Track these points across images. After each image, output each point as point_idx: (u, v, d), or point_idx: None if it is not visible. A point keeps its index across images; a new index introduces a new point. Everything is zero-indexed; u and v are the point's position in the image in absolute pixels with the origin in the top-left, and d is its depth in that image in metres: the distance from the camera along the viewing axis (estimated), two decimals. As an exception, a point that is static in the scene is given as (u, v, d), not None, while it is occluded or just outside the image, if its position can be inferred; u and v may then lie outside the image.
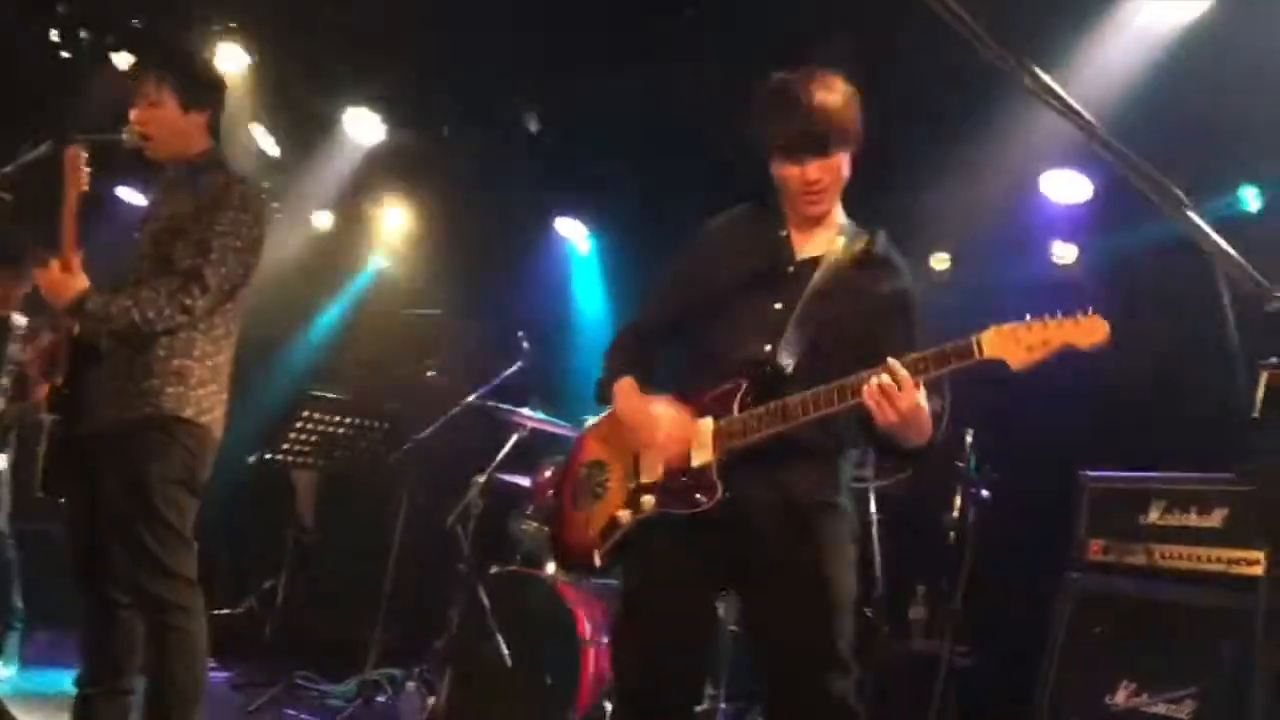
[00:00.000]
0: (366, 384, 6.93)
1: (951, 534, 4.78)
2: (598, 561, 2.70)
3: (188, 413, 3.07)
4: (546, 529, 5.05)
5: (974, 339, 2.29)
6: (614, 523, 2.67)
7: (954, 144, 4.99)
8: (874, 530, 5.07)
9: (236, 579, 6.90)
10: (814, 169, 2.56)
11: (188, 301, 2.99)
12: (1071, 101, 1.55)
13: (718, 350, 2.63)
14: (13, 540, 4.98)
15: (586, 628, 4.64)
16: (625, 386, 2.69)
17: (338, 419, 5.56)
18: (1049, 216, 5.31)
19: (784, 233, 2.69)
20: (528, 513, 5.19)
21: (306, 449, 5.54)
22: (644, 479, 2.65)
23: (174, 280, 3.00)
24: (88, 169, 3.08)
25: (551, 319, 6.92)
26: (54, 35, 5.61)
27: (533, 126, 5.84)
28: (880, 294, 2.62)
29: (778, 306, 2.58)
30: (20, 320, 5.08)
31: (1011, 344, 2.24)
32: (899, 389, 2.28)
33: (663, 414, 2.59)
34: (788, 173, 2.59)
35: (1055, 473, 4.53)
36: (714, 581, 2.65)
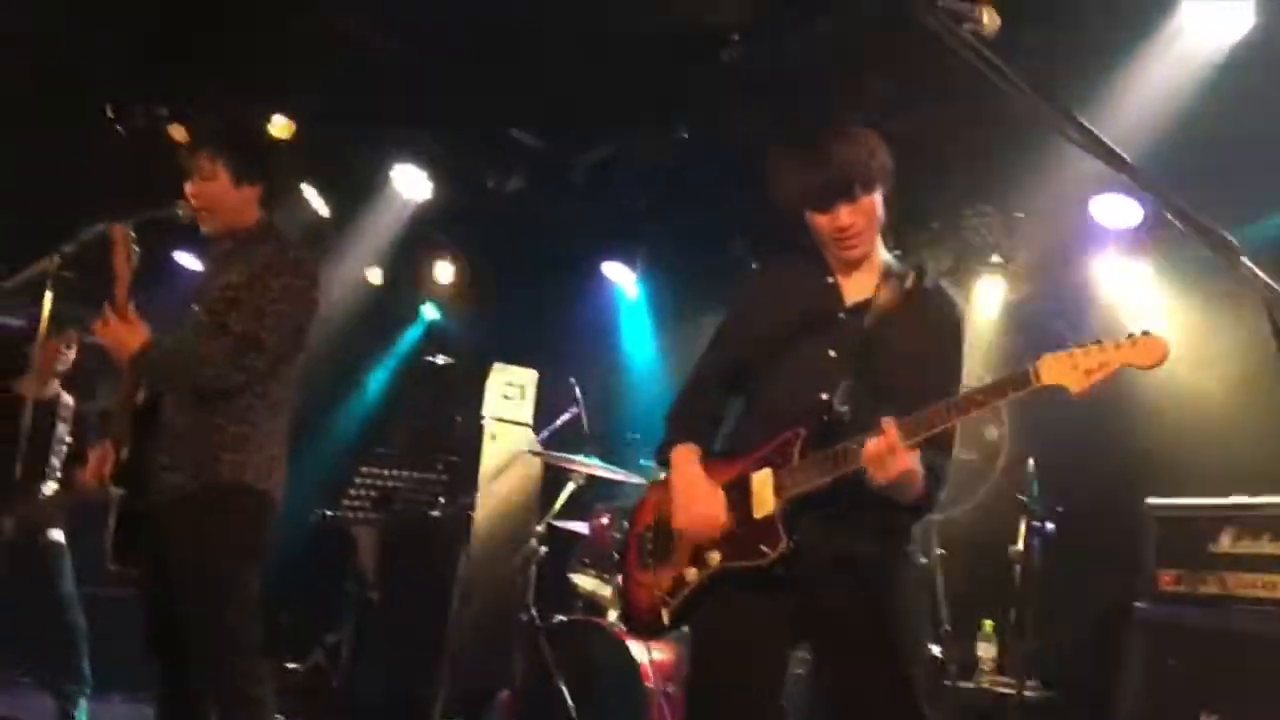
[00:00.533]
0: (421, 436, 6.99)
1: (1017, 567, 4.69)
2: (666, 620, 2.70)
3: (247, 479, 3.11)
4: (606, 577, 5.06)
5: (1031, 367, 2.27)
6: (681, 580, 2.66)
7: (1003, 171, 4.96)
8: (937, 566, 5.00)
9: (301, 634, 6.94)
10: (844, 214, 2.57)
11: (247, 362, 3.04)
12: (1114, 148, 1.54)
13: (776, 401, 2.64)
14: (80, 606, 5.04)
15: (651, 676, 4.61)
16: (682, 456, 2.70)
17: (395, 473, 5.62)
18: (1102, 240, 5.24)
19: (830, 280, 2.70)
20: (586, 561, 5.18)
21: (366, 504, 5.61)
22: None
23: (230, 341, 3.05)
24: (136, 247, 3.14)
25: (603, 364, 6.94)
26: (108, 110, 5.75)
27: (580, 176, 5.88)
28: (932, 328, 2.63)
29: (832, 354, 2.59)
30: (69, 400, 5.17)
31: (1069, 369, 2.23)
32: (891, 453, 2.31)
33: (701, 497, 2.60)
34: (820, 221, 2.61)
35: (1121, 501, 4.45)
36: (784, 634, 2.62)
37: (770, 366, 2.67)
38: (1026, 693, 4.51)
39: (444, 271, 7.44)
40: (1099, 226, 5.11)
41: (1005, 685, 4.79)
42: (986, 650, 5.08)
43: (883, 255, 2.71)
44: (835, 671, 2.60)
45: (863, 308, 2.63)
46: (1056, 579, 4.51)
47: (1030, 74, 1.63)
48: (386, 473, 5.61)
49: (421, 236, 7.12)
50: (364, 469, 5.52)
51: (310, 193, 6.52)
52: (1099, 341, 2.24)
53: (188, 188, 3.30)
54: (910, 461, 2.33)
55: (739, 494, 2.58)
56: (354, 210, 6.83)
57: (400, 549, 6.88)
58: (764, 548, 2.50)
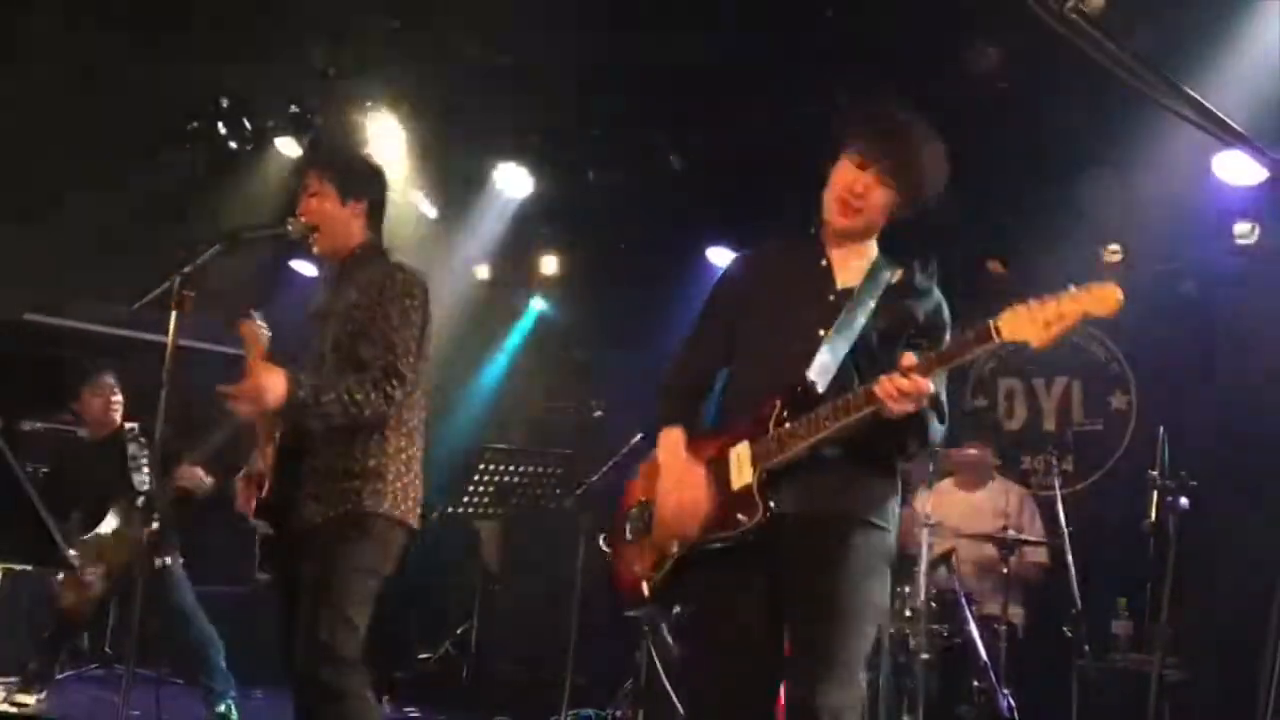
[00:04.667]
0: (536, 430, 7.08)
1: (1151, 541, 4.55)
2: (645, 592, 2.76)
3: (384, 508, 3.16)
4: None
5: (991, 323, 2.34)
6: (663, 554, 2.71)
7: (1120, 133, 4.79)
8: (1067, 544, 4.88)
9: (431, 626, 7.12)
10: (867, 180, 2.62)
11: (390, 391, 3.09)
12: (1226, 118, 1.47)
13: (758, 376, 2.68)
14: (203, 615, 5.17)
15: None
16: (670, 439, 2.72)
17: (512, 468, 5.71)
18: (1226, 198, 5.03)
19: (824, 262, 2.73)
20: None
21: (486, 499, 5.71)
22: None
23: (374, 374, 3.10)
24: (266, 331, 3.18)
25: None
26: (220, 128, 5.93)
27: (676, 165, 5.86)
28: (915, 317, 2.68)
29: (820, 332, 2.62)
30: (130, 425, 5.36)
31: (1028, 323, 2.29)
32: (907, 378, 2.37)
33: (686, 482, 2.63)
34: (840, 173, 2.65)
35: (1259, 472, 4.28)
36: (771, 597, 2.62)
37: (754, 343, 2.72)
38: (1165, 672, 4.38)
39: (550, 264, 7.51)
40: (1223, 185, 4.90)
41: (1142, 664, 4.66)
42: (1122, 628, 4.95)
43: (874, 251, 2.76)
44: (788, 629, 2.63)
45: (850, 293, 2.67)
46: (1193, 553, 4.36)
47: (1142, 39, 1.56)
48: (504, 468, 5.69)
49: (527, 231, 7.19)
50: (481, 465, 5.61)
51: (417, 196, 6.63)
52: (1056, 293, 2.29)
53: (300, 207, 3.38)
54: (924, 386, 2.39)
55: (719, 468, 2.63)
56: (460, 210, 6.92)
57: (522, 542, 7.01)
58: (741, 516, 2.55)
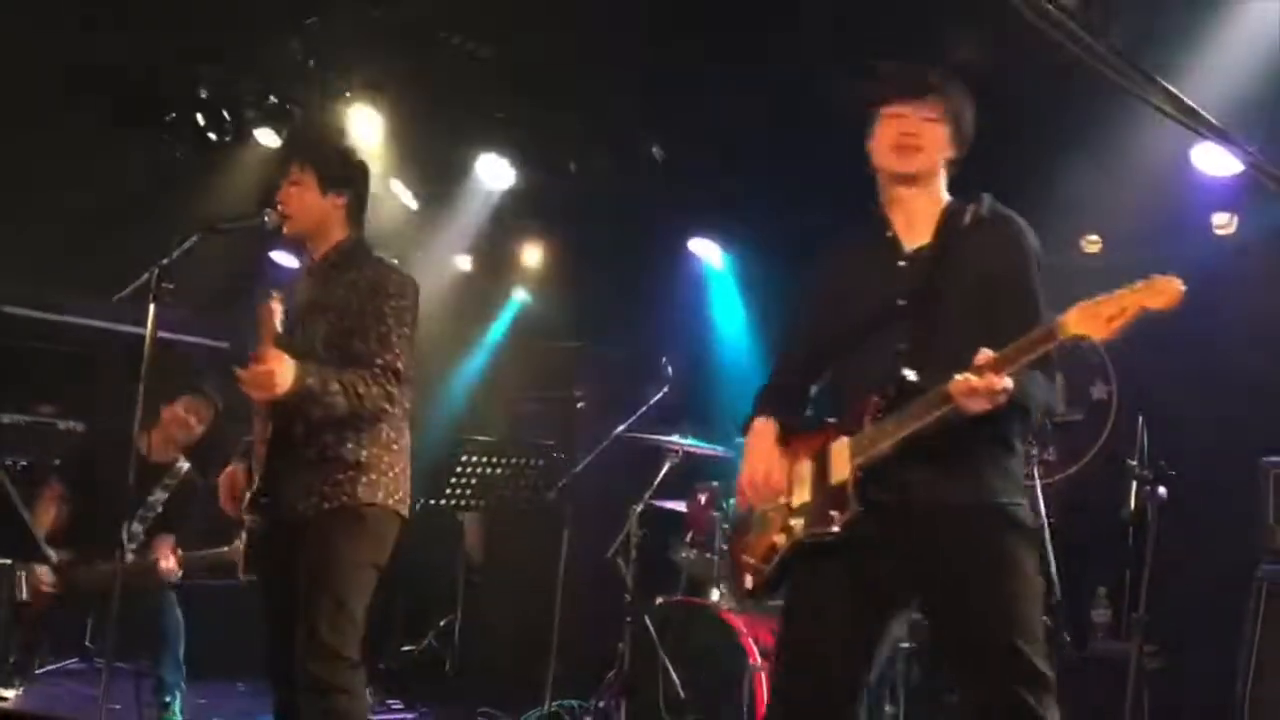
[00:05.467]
0: (518, 422, 7.07)
1: (1129, 530, 4.58)
2: (749, 585, 2.77)
3: (378, 499, 3.17)
4: (708, 556, 5.07)
5: (1056, 321, 2.32)
6: (771, 549, 2.72)
7: (1099, 123, 4.80)
8: (1046, 533, 4.90)
9: (415, 618, 7.11)
10: (910, 120, 2.60)
11: (390, 389, 3.12)
12: (1202, 112, 1.47)
13: (854, 371, 2.68)
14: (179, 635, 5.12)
15: (755, 651, 4.61)
16: (759, 428, 2.78)
17: (495, 460, 5.71)
18: (1204, 189, 5.06)
19: (890, 234, 2.70)
20: (687, 540, 5.19)
21: (468, 491, 5.71)
22: (794, 503, 2.69)
23: (374, 370, 3.12)
24: (281, 308, 3.13)
25: (694, 340, 6.93)
26: (199, 119, 5.89)
27: (659, 156, 5.85)
28: (994, 260, 2.60)
29: (901, 302, 2.60)
30: (183, 467, 5.23)
31: (1091, 319, 2.27)
32: (981, 379, 2.33)
33: (762, 462, 2.69)
34: (886, 124, 2.63)
35: (1236, 460, 4.31)
36: (871, 599, 2.61)
37: (845, 339, 2.70)
38: (1144, 659, 4.41)
39: (532, 255, 7.49)
40: (1202, 175, 4.93)
41: (1121, 652, 4.69)
42: (1101, 616, 4.98)
43: (945, 197, 2.71)
44: (940, 636, 2.66)
45: (922, 253, 2.64)
46: (1171, 542, 4.39)
47: (1119, 32, 1.57)
48: (486, 460, 5.69)
49: (508, 222, 7.17)
50: (464, 457, 5.61)
51: (398, 187, 6.60)
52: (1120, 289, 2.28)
53: (279, 194, 3.36)
54: (998, 385, 2.33)
55: (821, 464, 2.63)
56: (441, 201, 6.90)
57: (504, 534, 7.00)
58: (834, 514, 2.54)
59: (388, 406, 3.14)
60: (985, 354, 2.36)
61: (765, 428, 2.77)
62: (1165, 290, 2.24)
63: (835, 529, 2.53)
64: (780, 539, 2.68)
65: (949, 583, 2.52)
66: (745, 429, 2.83)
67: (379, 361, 3.12)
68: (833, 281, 2.80)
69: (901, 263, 2.65)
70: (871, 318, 2.63)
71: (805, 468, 2.68)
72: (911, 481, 2.51)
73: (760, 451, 2.73)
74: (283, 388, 2.99)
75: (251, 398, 3.14)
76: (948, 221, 2.64)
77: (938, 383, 2.41)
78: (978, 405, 2.35)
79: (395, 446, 3.24)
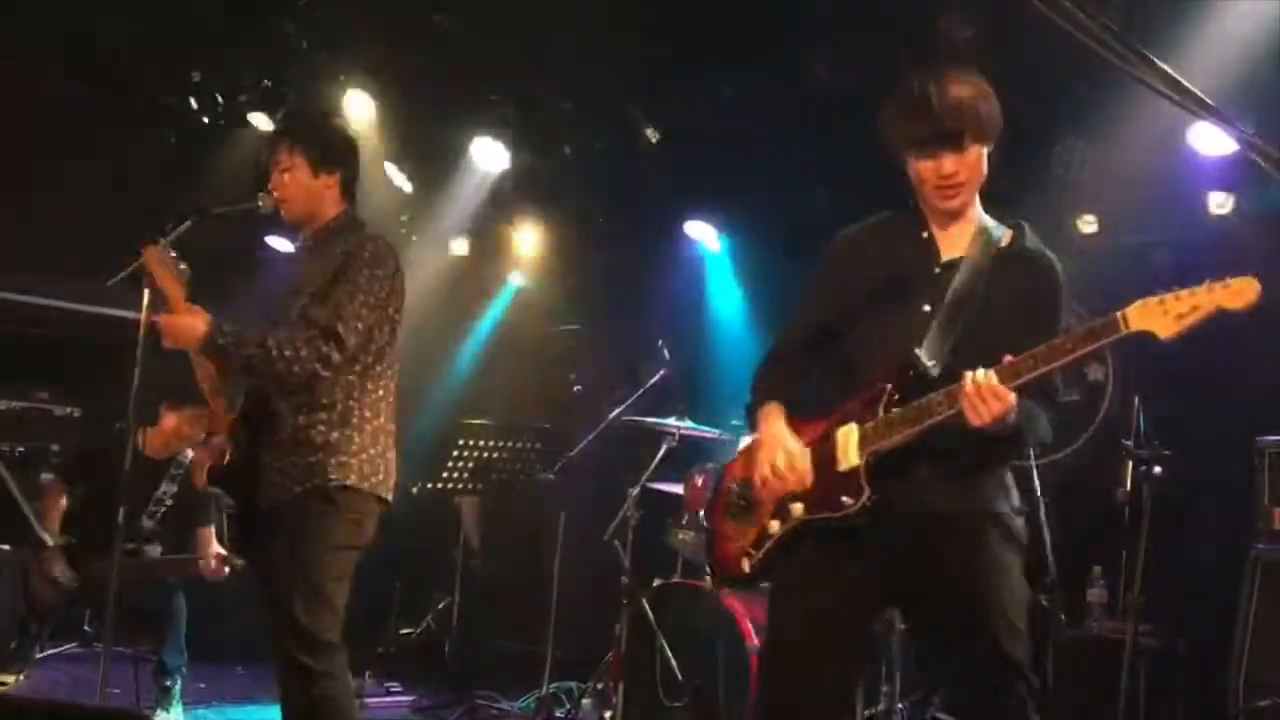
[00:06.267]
0: (515, 405, 7.07)
1: (1125, 510, 4.59)
2: (746, 569, 2.72)
3: (350, 481, 3.14)
4: (704, 538, 5.07)
5: (1119, 314, 2.26)
6: (764, 533, 2.68)
7: (1095, 104, 4.79)
8: (1041, 513, 4.91)
9: (413, 601, 7.13)
10: (949, 163, 2.52)
11: (324, 350, 3.04)
12: (1198, 93, 1.47)
13: (866, 357, 2.63)
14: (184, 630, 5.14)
15: (752, 634, 4.62)
16: (769, 413, 2.71)
17: (491, 443, 5.71)
18: (1201, 169, 5.05)
19: (926, 235, 2.65)
20: (683, 522, 5.20)
21: (465, 475, 5.72)
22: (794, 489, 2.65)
23: (312, 333, 3.07)
24: (179, 261, 3.14)
25: (690, 323, 6.92)
26: (192, 103, 5.86)
27: (652, 137, 5.83)
28: (1027, 290, 2.58)
29: (926, 309, 2.55)
30: (185, 457, 5.14)
31: (1159, 315, 2.21)
32: (993, 392, 2.30)
33: (785, 450, 2.61)
34: (923, 168, 2.56)
35: (1230, 442, 4.32)
36: (866, 589, 2.61)
37: (861, 324, 2.65)
38: (1140, 639, 4.42)
39: (528, 239, 7.48)
40: (1198, 156, 4.92)
41: (1116, 631, 4.71)
42: (1096, 596, 4.99)
43: (981, 214, 2.66)
44: (927, 643, 2.63)
45: (957, 264, 2.58)
46: (1166, 522, 4.40)
47: (1114, 11, 1.56)
48: (483, 443, 5.70)
49: (504, 206, 7.15)
50: (461, 440, 5.62)
51: (392, 170, 6.59)
52: (1190, 287, 2.20)
53: (272, 180, 3.34)
54: (1009, 400, 2.31)
55: (825, 449, 2.59)
56: (436, 185, 6.88)
57: (502, 517, 7.00)
58: (845, 499, 2.50)
59: (319, 368, 3.05)
60: (1008, 359, 2.31)
61: (775, 413, 2.71)
62: (1244, 291, 2.16)
63: (845, 514, 2.50)
64: (775, 524, 2.65)
65: (939, 585, 2.52)
66: (751, 416, 2.77)
67: (322, 324, 3.07)
68: (850, 266, 2.73)
69: (937, 270, 2.60)
70: (897, 311, 2.58)
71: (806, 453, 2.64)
72: (913, 480, 2.50)
73: (777, 439, 2.65)
74: (191, 340, 3.02)
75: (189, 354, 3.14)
76: (987, 239, 2.59)
77: (953, 375, 2.39)
78: (982, 414, 2.32)
79: (368, 428, 3.19)
